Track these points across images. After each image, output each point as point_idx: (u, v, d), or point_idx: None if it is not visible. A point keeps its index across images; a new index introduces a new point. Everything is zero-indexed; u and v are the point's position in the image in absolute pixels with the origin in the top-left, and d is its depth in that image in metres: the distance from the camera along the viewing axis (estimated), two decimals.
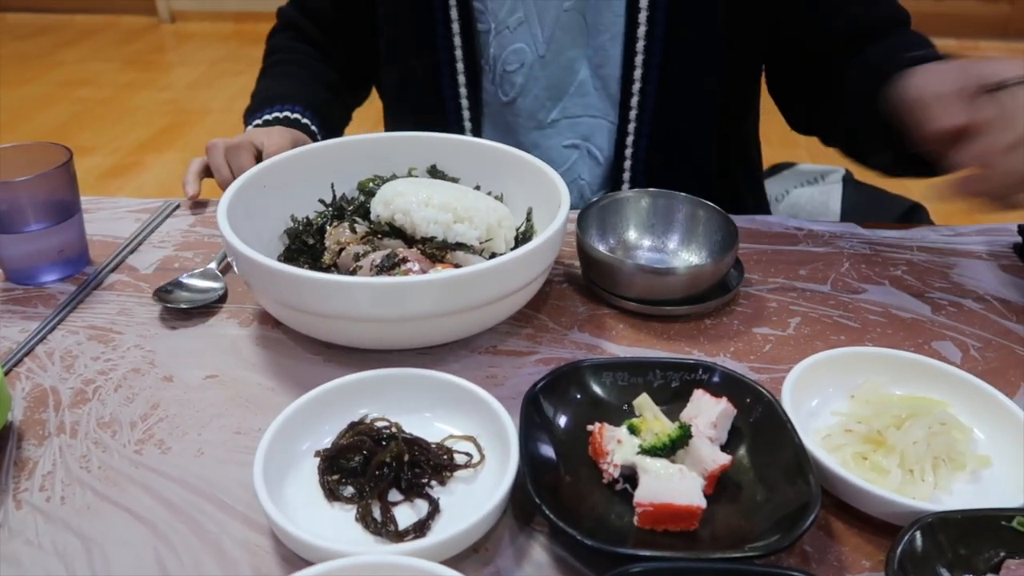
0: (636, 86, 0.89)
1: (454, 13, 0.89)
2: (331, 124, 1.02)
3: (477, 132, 0.95)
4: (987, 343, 0.68)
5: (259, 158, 0.84)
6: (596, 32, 0.89)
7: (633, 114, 0.90)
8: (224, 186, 0.85)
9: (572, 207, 0.70)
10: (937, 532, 0.44)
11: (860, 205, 1.26)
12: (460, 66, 0.91)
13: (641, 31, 0.86)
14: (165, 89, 3.44)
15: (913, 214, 1.21)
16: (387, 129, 1.06)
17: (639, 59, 0.87)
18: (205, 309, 0.71)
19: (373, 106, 1.15)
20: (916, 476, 0.52)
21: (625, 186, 0.94)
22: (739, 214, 0.88)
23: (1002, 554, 0.45)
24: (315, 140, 0.93)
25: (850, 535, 0.50)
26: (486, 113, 0.95)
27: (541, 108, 0.93)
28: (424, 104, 0.95)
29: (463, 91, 0.92)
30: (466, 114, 0.94)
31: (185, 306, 0.70)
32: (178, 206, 0.90)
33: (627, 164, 0.93)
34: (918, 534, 0.44)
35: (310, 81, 1.01)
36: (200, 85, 3.44)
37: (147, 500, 0.52)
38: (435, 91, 0.93)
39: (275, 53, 1.06)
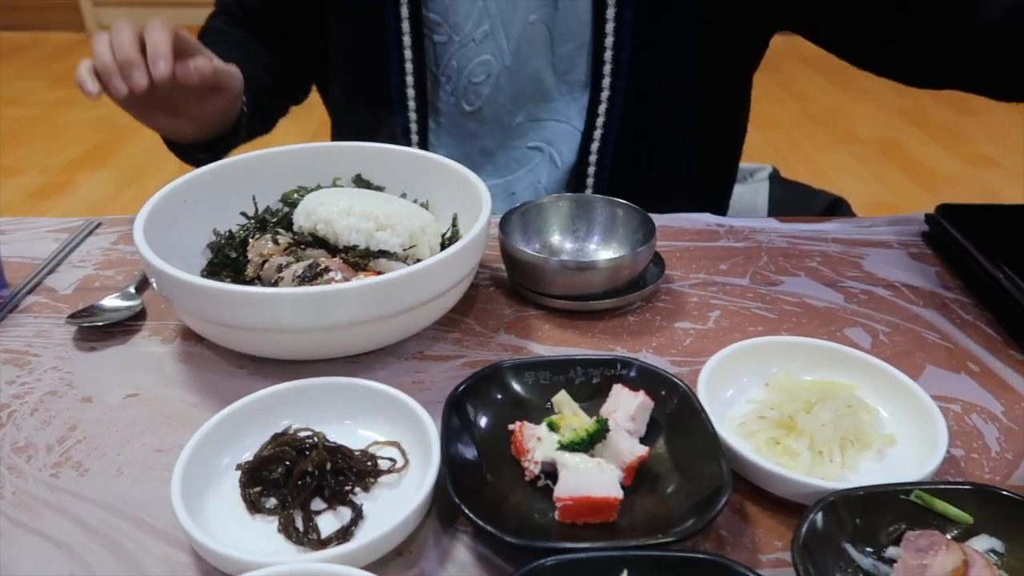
0: (604, 94, 0.90)
1: (406, 26, 0.89)
2: (263, 106, 0.96)
3: (423, 141, 0.95)
4: (895, 328, 0.71)
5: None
6: (562, 41, 0.90)
7: (600, 121, 0.91)
8: (98, 68, 0.71)
9: None
10: (840, 510, 0.46)
11: (786, 201, 1.30)
12: (410, 79, 0.91)
13: (608, 41, 0.88)
14: (96, 106, 3.31)
15: (836, 208, 1.25)
16: (334, 137, 1.05)
17: (607, 68, 0.89)
18: (125, 327, 0.70)
19: (311, 116, 1.14)
20: (825, 457, 0.54)
21: (588, 191, 0.95)
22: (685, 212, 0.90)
23: (903, 526, 0.47)
24: (240, 115, 0.89)
25: (764, 518, 0.52)
26: (442, 123, 0.95)
27: (507, 114, 0.94)
28: (371, 113, 0.95)
29: (412, 103, 0.93)
30: (413, 127, 0.94)
31: (100, 323, 0.69)
32: (99, 224, 0.88)
33: (591, 171, 0.94)
34: (820, 513, 0.45)
35: (244, 60, 0.95)
36: None
37: (63, 523, 0.51)
38: (383, 100, 0.93)
39: (209, 34, 1.01)
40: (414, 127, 0.94)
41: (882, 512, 0.47)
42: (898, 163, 2.91)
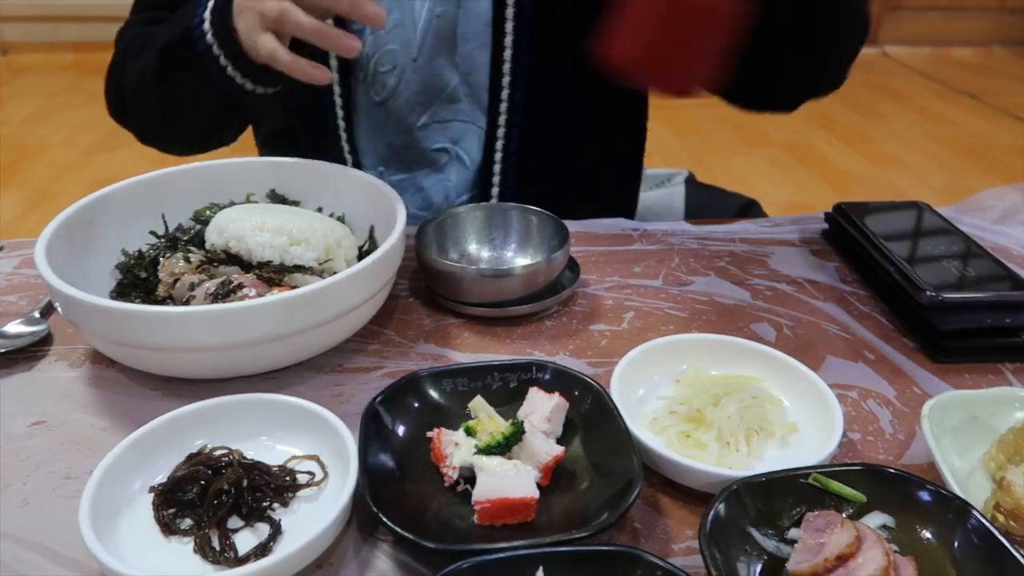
0: (505, 92, 0.91)
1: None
2: None
3: (350, 132, 0.95)
4: (798, 321, 0.75)
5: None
6: (464, 40, 0.90)
7: (503, 119, 0.92)
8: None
9: (437, 211, 0.70)
10: (743, 496, 0.49)
11: (702, 204, 1.34)
12: (333, 62, 0.90)
13: (508, 40, 0.89)
14: None
15: (749, 210, 1.30)
16: (256, 133, 1.03)
17: (507, 67, 0.90)
18: (30, 353, 0.68)
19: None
20: (732, 447, 0.56)
21: (495, 190, 0.96)
22: (593, 216, 0.92)
23: (803, 508, 0.50)
24: None
25: (675, 508, 0.54)
26: (360, 113, 0.95)
27: (412, 112, 0.94)
28: (296, 103, 0.93)
29: (337, 88, 0.92)
30: (340, 112, 0.93)
31: (3, 350, 0.66)
32: (1, 248, 0.85)
33: (497, 168, 0.94)
34: (724, 502, 0.47)
35: None
36: (37, 119, 3.23)
37: None
38: (306, 89, 0.91)
39: (142, 35, 0.89)
40: (340, 112, 0.93)
41: (783, 496, 0.50)
42: (808, 165, 3.04)
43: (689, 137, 3.23)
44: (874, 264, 0.80)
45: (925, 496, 0.49)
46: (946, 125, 3.46)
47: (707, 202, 1.35)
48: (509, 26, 0.88)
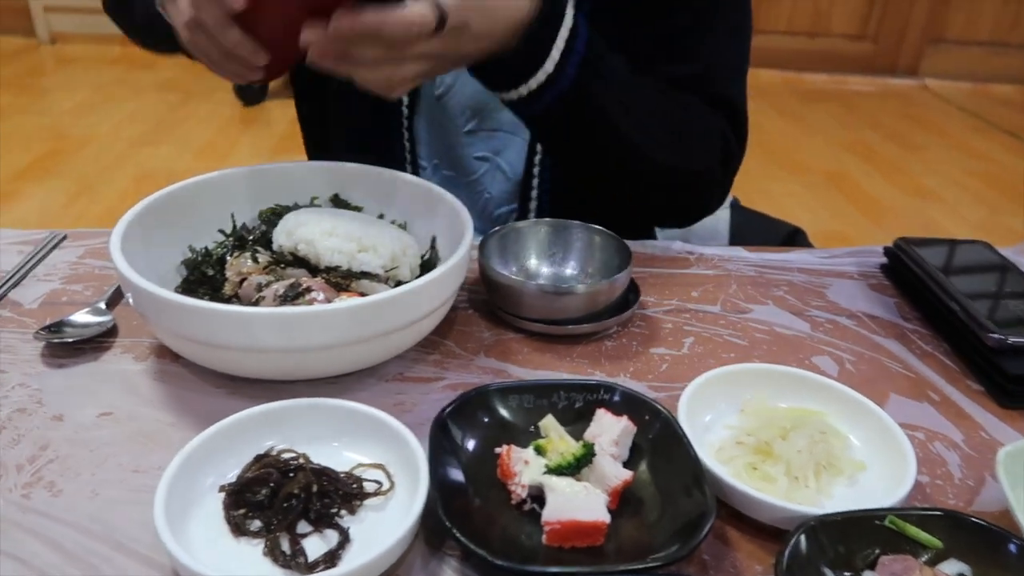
0: None
1: None
2: None
3: (411, 122, 0.95)
4: (860, 356, 0.74)
5: None
6: None
7: None
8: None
9: (475, 220, 0.70)
10: (819, 534, 0.48)
11: (747, 230, 1.33)
12: None
13: None
14: (44, 114, 3.26)
15: (795, 238, 1.29)
16: (302, 121, 1.04)
17: None
18: (96, 344, 0.68)
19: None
20: (800, 483, 0.55)
21: (533, 203, 0.96)
22: (635, 238, 0.92)
23: (877, 551, 0.49)
24: None
25: (744, 542, 0.53)
26: (422, 104, 0.95)
27: (462, 114, 0.94)
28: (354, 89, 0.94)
29: None
30: (404, 99, 0.93)
31: (70, 339, 0.67)
32: (65, 237, 0.86)
33: (535, 182, 0.94)
34: (802, 537, 0.47)
35: None
36: (83, 110, 3.28)
37: (36, 546, 0.49)
38: None
39: None
40: (405, 99, 0.93)
41: (858, 537, 0.49)
42: (846, 194, 3.02)
43: None
44: (936, 302, 0.79)
45: (1008, 547, 0.48)
46: (983, 161, 3.42)
47: (752, 227, 1.34)
48: None
